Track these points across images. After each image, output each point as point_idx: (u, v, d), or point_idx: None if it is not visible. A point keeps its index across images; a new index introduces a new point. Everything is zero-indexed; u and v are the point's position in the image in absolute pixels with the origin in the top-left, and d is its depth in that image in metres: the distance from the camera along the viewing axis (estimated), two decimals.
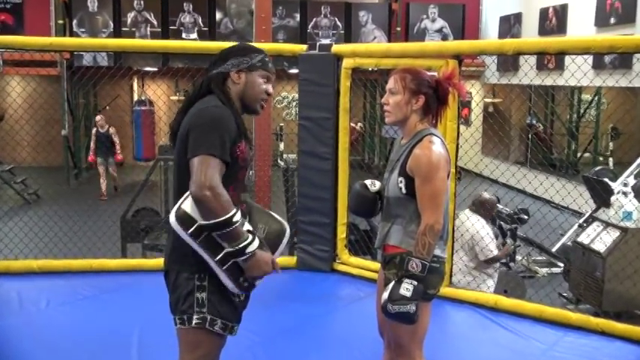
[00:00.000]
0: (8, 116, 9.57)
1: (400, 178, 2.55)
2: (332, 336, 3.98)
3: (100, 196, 11.26)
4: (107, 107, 14.37)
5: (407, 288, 2.42)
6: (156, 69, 13.05)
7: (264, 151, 6.23)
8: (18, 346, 3.71)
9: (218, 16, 12.82)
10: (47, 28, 12.29)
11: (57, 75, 12.61)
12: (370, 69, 5.17)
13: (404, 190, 2.54)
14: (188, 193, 2.17)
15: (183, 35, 12.70)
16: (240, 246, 2.17)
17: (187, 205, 2.17)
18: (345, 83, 4.86)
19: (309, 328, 4.05)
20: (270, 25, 6.14)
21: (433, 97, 2.61)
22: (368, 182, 2.81)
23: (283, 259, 5.25)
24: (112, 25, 12.69)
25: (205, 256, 2.17)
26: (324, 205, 4.97)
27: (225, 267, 2.18)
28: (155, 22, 12.72)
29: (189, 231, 2.14)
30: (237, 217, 2.15)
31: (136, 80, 14.81)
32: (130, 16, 12.67)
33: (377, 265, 4.90)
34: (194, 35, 12.76)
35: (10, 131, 10.45)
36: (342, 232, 4.98)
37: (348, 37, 13.12)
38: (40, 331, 3.90)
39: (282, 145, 12.81)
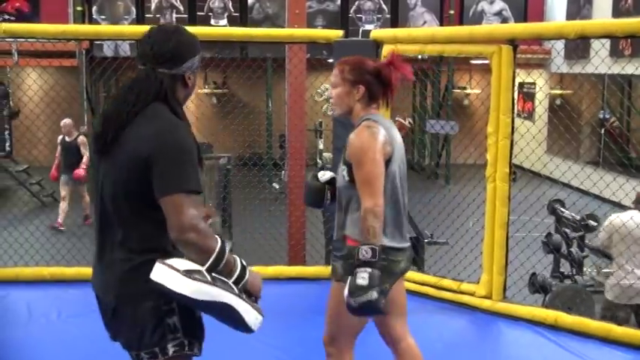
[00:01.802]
0: (27, 112, 9.83)
1: (343, 167, 2.77)
2: (370, 353, 3.98)
3: (56, 225, 8.79)
4: None
5: (362, 277, 2.56)
6: None
7: (297, 149, 6.25)
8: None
9: (250, 0, 12.93)
10: (65, 15, 12.58)
11: (75, 66, 12.89)
12: (420, 57, 5.15)
13: (347, 178, 2.76)
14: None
15: (212, 21, 12.86)
16: (240, 267, 2.16)
17: (181, 262, 2.10)
18: None
19: None
20: (305, 8, 6.16)
21: (375, 84, 2.79)
22: (319, 173, 3.05)
23: (318, 269, 5.27)
24: (134, 11, 12.92)
25: (230, 299, 2.10)
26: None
27: (244, 298, 2.14)
28: (181, 8, 12.91)
29: (207, 279, 2.08)
30: (224, 243, 2.16)
31: None
32: (155, 1, 12.89)
33: (422, 277, 4.90)
34: (224, 21, 12.90)
35: (25, 128, 10.74)
36: None
37: (395, 21, 13.09)
38: (49, 344, 3.99)
39: (321, 143, 12.83)
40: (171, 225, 2.07)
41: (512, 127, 4.41)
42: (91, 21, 12.70)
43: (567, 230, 6.42)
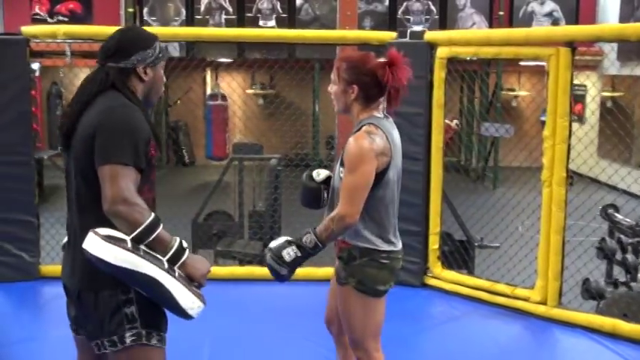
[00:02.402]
0: None
1: (341, 168, 2.72)
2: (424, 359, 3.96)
3: None
4: (178, 101, 14.81)
5: (289, 253, 2.63)
6: (230, 60, 13.34)
7: None
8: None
9: (298, 1, 12.97)
10: (117, 16, 12.78)
11: None
12: (468, 58, 5.12)
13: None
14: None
15: (261, 23, 12.92)
16: (176, 245, 2.15)
17: (105, 230, 2.09)
18: (439, 75, 4.83)
19: (398, 349, 4.03)
20: (356, 10, 6.16)
21: (371, 84, 2.71)
22: (314, 172, 3.01)
23: None
24: (184, 12, 13.07)
25: (156, 273, 2.07)
26: (414, 212, 4.94)
27: (176, 276, 2.11)
28: (230, 9, 13.01)
29: (129, 246, 2.06)
30: (158, 218, 2.14)
31: (209, 72, 15.19)
32: (204, 2, 13.01)
33: (474, 281, 4.85)
34: (272, 23, 12.95)
35: None
36: (434, 243, 4.94)
37: (443, 22, 12.97)
38: None
39: None
40: (104, 196, 2.09)
41: (570, 131, 4.34)
42: (142, 22, 12.87)
43: (622, 236, 6.29)
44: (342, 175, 2.68)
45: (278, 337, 4.19)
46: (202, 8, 13.02)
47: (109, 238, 2.05)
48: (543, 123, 4.38)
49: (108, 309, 2.19)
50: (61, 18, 12.85)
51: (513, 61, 12.41)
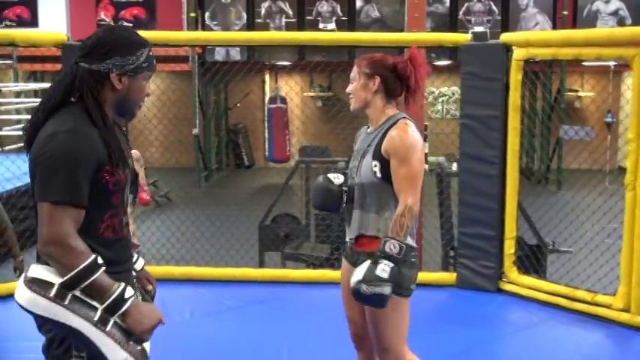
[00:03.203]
0: (141, 114, 10.21)
1: (374, 162, 2.71)
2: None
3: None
4: (238, 104, 14.95)
5: (383, 269, 2.54)
6: (290, 63, 13.40)
7: None
8: (161, 356, 3.92)
9: (359, 3, 12.94)
10: (179, 21, 12.97)
11: (188, 71, 13.28)
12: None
13: (379, 174, 2.70)
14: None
15: (320, 25, 12.95)
16: (116, 294, 1.94)
17: (36, 270, 1.96)
18: (515, 77, 4.76)
19: (474, 355, 3.98)
20: (425, 12, 6.10)
21: (392, 78, 2.78)
22: (332, 176, 2.98)
23: (441, 276, 5.21)
24: (245, 16, 13.18)
25: (81, 325, 1.90)
26: (489, 216, 4.87)
27: (108, 329, 1.92)
28: (290, 12, 13.07)
29: (52, 295, 1.90)
30: (97, 262, 1.95)
31: (268, 75, 15.29)
32: (264, 6, 13.11)
33: (552, 287, 4.75)
34: (332, 25, 12.97)
35: (142, 130, 11.13)
36: (510, 247, 4.86)
37: (505, 23, 12.78)
38: (185, 342, 4.11)
39: (426, 147, 12.71)
40: (39, 235, 1.95)
41: None
42: (204, 27, 13.04)
43: None
44: (376, 169, 2.68)
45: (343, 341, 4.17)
46: (263, 12, 13.11)
47: (33, 284, 1.92)
48: (608, 124, 4.27)
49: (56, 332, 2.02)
50: (125, 24, 13.11)
51: (576, 62, 12.16)
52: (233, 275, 5.10)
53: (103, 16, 13.26)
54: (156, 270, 5.26)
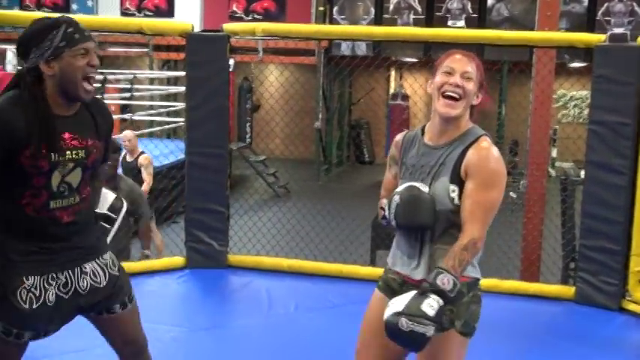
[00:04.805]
0: (267, 106, 10.36)
1: (452, 187, 2.26)
2: None
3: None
4: (361, 100, 14.93)
5: (431, 305, 2.09)
6: (415, 60, 13.22)
7: (539, 156, 5.92)
8: (262, 347, 3.94)
9: (490, 1, 12.59)
10: (308, 15, 13.10)
11: (313, 64, 13.39)
12: None
13: (457, 201, 2.26)
14: None
15: (449, 22, 12.70)
16: None
17: None
18: None
19: None
20: (558, 10, 5.80)
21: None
22: (416, 184, 2.33)
23: (558, 289, 4.94)
24: (373, 11, 13.12)
25: None
26: (614, 229, 4.55)
27: None
28: (419, 9, 12.89)
29: None
30: None
31: (393, 72, 15.17)
32: (393, 2, 12.99)
33: None
34: (461, 23, 12.68)
35: (265, 121, 11.32)
36: (636, 264, 4.53)
37: None
38: (287, 335, 4.10)
39: (554, 152, 12.22)
40: None
41: None
42: (332, 21, 13.09)
43: None
44: (453, 195, 2.24)
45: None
46: (391, 7, 13.00)
47: None
48: None
49: None
50: (256, 16, 13.39)
51: None
52: (340, 271, 5.04)
53: (235, 8, 13.60)
54: (264, 261, 5.31)
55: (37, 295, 2.26)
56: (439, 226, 2.28)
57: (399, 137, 2.50)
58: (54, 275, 2.30)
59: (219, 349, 3.89)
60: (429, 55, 12.53)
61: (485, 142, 2.28)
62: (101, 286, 2.40)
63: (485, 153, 2.25)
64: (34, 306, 2.26)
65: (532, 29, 9.14)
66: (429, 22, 12.67)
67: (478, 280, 2.33)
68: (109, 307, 2.45)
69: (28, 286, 2.25)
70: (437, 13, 12.80)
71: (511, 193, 9.92)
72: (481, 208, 2.21)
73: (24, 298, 2.25)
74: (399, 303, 2.11)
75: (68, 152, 2.25)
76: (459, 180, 2.25)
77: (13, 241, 2.26)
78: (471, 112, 2.34)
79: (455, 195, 2.25)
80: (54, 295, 2.30)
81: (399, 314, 2.08)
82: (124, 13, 14.01)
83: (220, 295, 4.91)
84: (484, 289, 4.87)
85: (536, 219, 5.69)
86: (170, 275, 5.03)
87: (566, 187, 5.66)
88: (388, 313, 2.12)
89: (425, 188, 2.33)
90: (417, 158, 2.35)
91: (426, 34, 5.77)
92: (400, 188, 2.35)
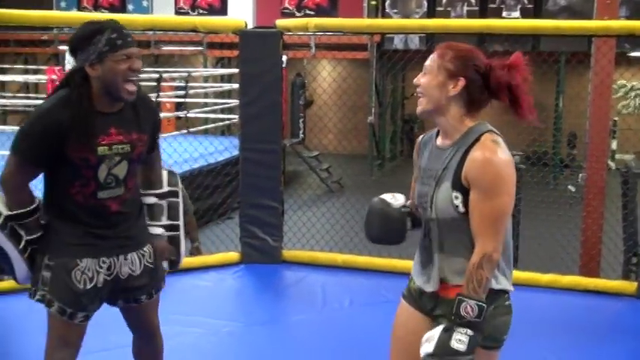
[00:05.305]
0: (320, 102, 10.37)
1: (455, 193, 2.09)
2: None
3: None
4: (414, 94, 14.81)
5: (460, 339, 2.00)
6: None
7: (599, 149, 5.76)
8: (317, 342, 3.95)
9: None
10: (360, 9, 13.04)
11: (366, 59, 13.34)
12: None
13: (461, 209, 2.09)
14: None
15: (504, 14, 12.48)
16: (39, 234, 2.44)
17: None
18: None
19: None
20: None
21: (479, 86, 2.13)
22: (387, 196, 2.36)
23: (620, 284, 4.84)
24: (425, 4, 13.00)
25: (8, 246, 2.43)
26: None
27: (26, 255, 2.45)
28: (473, 1, 12.71)
29: None
30: (31, 209, 2.42)
31: None
32: None
33: None
34: (516, 13, 12.45)
35: (318, 117, 11.33)
36: None
37: None
38: (340, 330, 4.10)
39: (614, 144, 11.93)
40: None
41: None
42: (384, 14, 13.02)
43: None
44: (457, 202, 2.09)
45: (518, 346, 3.96)
46: (444, 0, 12.86)
47: None
48: None
49: (36, 265, 2.49)
50: (307, 12, 13.40)
51: None
52: (394, 266, 5.01)
53: (286, 4, 13.64)
54: (319, 256, 5.32)
55: (90, 276, 2.46)
56: (448, 236, 2.15)
57: (419, 139, 2.39)
58: (104, 259, 2.48)
59: (274, 344, 3.92)
60: (483, 47, 12.36)
61: (488, 142, 2.09)
62: (136, 274, 2.57)
63: (483, 155, 2.05)
64: (87, 287, 2.46)
65: (590, 18, 8.93)
66: (482, 13, 12.47)
67: (503, 291, 2.15)
68: (137, 297, 2.62)
69: (82, 268, 2.44)
70: (491, 5, 12.59)
71: (570, 187, 9.74)
72: (489, 219, 2.05)
73: (78, 278, 2.44)
74: (430, 342, 2.05)
75: (114, 146, 2.43)
76: (460, 186, 2.09)
77: (67, 226, 2.45)
78: (471, 105, 2.16)
79: (459, 202, 2.09)
80: (103, 278, 2.49)
81: (430, 357, 2.04)
82: (178, 11, 14.19)
83: (275, 291, 4.94)
84: (544, 284, 4.82)
85: (595, 213, 5.55)
86: (225, 270, 5.08)
87: (627, 179, 5.49)
88: (422, 353, 2.06)
89: (398, 200, 2.34)
90: (428, 161, 2.23)
91: (480, 25, 5.68)
92: (374, 199, 2.37)
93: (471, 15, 12.47)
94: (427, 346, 2.05)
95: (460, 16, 12.54)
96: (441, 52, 2.16)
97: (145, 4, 14.41)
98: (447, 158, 2.14)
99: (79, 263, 2.44)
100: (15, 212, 2.41)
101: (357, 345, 3.88)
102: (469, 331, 2.01)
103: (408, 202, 2.39)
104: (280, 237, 5.28)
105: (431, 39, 12.44)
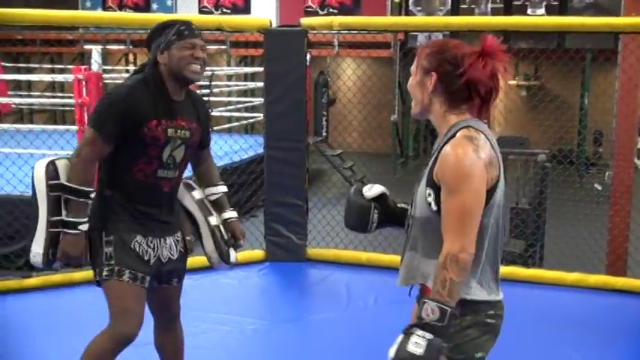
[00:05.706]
0: (344, 100, 10.37)
1: (428, 190, 2.02)
2: None
3: None
4: None
5: (417, 342, 1.89)
6: None
7: (626, 147, 5.71)
8: (342, 340, 3.96)
9: None
10: (383, 7, 13.02)
11: (389, 57, 13.30)
12: None
13: (434, 207, 2.01)
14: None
15: (529, 11, 12.37)
16: (76, 220, 2.56)
17: (61, 163, 2.61)
18: None
19: None
20: None
21: (454, 76, 2.03)
22: (366, 187, 2.32)
23: None
24: (449, 2, 12.93)
25: (42, 209, 2.55)
26: None
27: (50, 230, 2.56)
28: None
29: (50, 182, 2.55)
30: (88, 191, 2.56)
31: None
32: None
33: None
34: (541, 11, 12.34)
35: (341, 115, 11.32)
36: None
37: None
38: (365, 328, 4.12)
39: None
40: None
41: None
42: (407, 12, 12.97)
43: None
44: (430, 200, 2.02)
45: (544, 345, 3.94)
46: None
47: (51, 164, 2.59)
48: None
49: (95, 245, 2.63)
50: (331, 10, 13.41)
51: None
52: None
53: (310, 2, 13.65)
54: (343, 254, 5.33)
55: (145, 250, 2.66)
56: (424, 236, 2.07)
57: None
58: (150, 239, 2.68)
59: (299, 342, 3.94)
60: (507, 44, 12.27)
61: (460, 137, 2.00)
62: (174, 258, 2.76)
63: (450, 151, 1.98)
64: (145, 258, 2.66)
65: (617, 15, 8.84)
66: (507, 10, 12.36)
67: (486, 302, 2.04)
68: (169, 279, 2.81)
69: (139, 241, 2.65)
70: (515, 2, 12.48)
71: (596, 185, 9.66)
72: (453, 216, 1.96)
73: (138, 249, 2.64)
74: (393, 346, 1.95)
75: (179, 131, 2.67)
76: (433, 183, 2.02)
77: (122, 200, 2.63)
78: (452, 100, 2.08)
79: (431, 199, 2.02)
80: (152, 256, 2.68)
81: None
82: (202, 11, 14.25)
83: (300, 288, 4.96)
84: (570, 283, 4.79)
85: (622, 211, 5.50)
86: (250, 268, 5.12)
87: None
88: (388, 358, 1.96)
89: (372, 191, 2.30)
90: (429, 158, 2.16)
91: (504, 23, 5.66)
92: (353, 187, 2.41)
93: (495, 12, 12.38)
94: (390, 350, 1.95)
95: (484, 14, 12.46)
96: (420, 51, 2.14)
97: (169, 3, 14.50)
98: (434, 155, 2.08)
99: (135, 237, 2.64)
100: (71, 185, 2.56)
101: (382, 343, 3.84)
102: (427, 335, 1.90)
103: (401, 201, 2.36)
104: (305, 235, 5.30)
105: (455, 37, 12.42)
